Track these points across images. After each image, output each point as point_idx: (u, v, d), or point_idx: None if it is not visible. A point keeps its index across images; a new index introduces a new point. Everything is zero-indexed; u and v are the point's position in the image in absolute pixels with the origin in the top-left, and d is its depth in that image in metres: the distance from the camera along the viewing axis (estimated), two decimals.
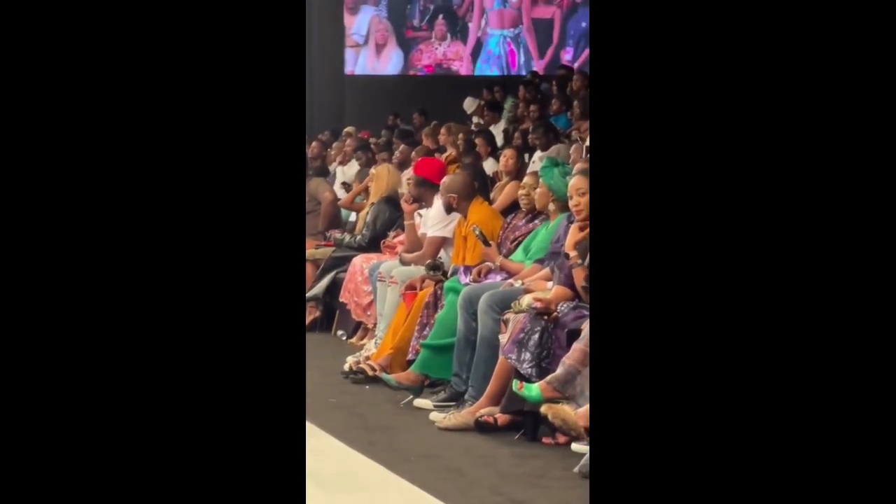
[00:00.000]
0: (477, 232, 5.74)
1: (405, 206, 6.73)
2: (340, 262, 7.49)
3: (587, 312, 4.59)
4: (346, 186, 8.92)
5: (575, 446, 4.31)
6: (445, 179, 6.24)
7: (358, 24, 15.10)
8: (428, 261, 6.09)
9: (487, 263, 5.66)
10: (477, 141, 8.21)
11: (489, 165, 7.89)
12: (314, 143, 10.40)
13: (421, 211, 6.72)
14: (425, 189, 6.53)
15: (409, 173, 7.37)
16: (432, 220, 6.43)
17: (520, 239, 5.76)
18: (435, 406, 5.22)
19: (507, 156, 7.21)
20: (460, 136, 8.64)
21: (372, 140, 10.55)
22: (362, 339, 6.89)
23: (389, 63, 15.16)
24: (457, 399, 5.18)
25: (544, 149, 7.81)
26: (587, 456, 4.06)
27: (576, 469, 4.09)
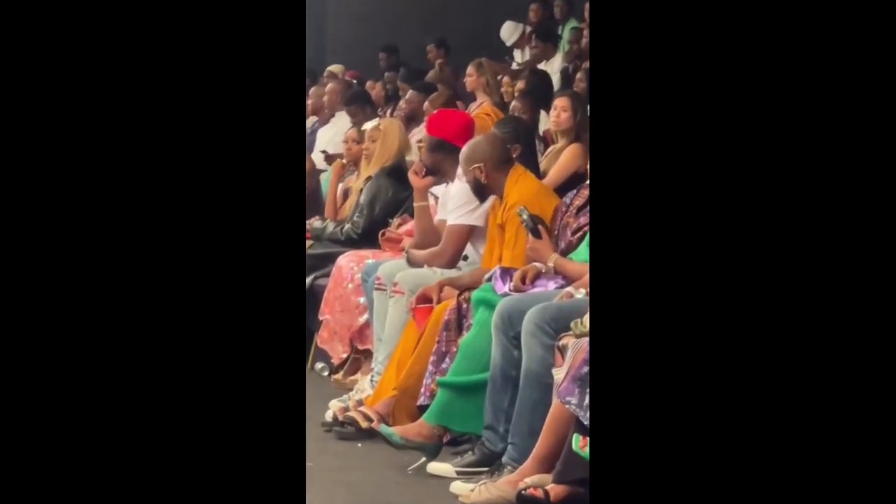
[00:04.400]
0: (524, 217, 5.66)
1: (415, 181, 6.68)
2: (320, 263, 7.54)
3: None
4: (329, 158, 8.90)
5: None
6: (468, 144, 6.17)
7: None
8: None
9: (536, 264, 5.64)
10: (519, 85, 8.20)
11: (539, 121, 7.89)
12: None
13: (438, 188, 6.72)
14: (444, 156, 6.51)
15: (420, 133, 7.34)
16: (455, 202, 6.41)
17: (584, 228, 5.70)
18: (459, 473, 5.28)
19: (561, 107, 7.25)
20: (501, 78, 8.60)
21: (368, 84, 10.56)
22: (352, 374, 6.98)
23: None
24: (491, 463, 5.24)
25: None
26: None
27: None
